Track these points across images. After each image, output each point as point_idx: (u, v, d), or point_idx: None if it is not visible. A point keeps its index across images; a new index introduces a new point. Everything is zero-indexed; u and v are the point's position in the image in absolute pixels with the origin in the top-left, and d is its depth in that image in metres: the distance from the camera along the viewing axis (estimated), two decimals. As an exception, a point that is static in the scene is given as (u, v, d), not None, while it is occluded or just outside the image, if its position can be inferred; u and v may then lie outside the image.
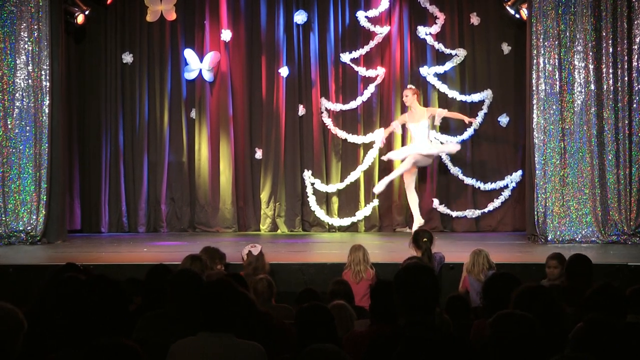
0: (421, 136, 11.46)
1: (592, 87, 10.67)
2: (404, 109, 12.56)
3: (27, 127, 11.11)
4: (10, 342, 2.98)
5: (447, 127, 12.52)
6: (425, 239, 7.52)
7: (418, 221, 11.47)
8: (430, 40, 12.50)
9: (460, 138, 12.40)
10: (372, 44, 12.56)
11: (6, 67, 11.08)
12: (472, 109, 12.52)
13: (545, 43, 10.74)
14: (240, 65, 12.89)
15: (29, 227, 11.08)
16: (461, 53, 12.48)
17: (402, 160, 11.57)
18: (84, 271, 5.64)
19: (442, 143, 12.11)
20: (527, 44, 11.06)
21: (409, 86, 11.90)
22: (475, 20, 12.49)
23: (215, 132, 12.86)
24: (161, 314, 4.47)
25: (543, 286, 4.16)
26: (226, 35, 12.74)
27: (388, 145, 12.28)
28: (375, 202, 12.58)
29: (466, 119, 11.90)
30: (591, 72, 10.68)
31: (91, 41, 13.03)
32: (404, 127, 11.92)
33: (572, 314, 4.22)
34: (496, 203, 12.40)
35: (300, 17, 12.70)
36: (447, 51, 12.48)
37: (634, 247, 10.22)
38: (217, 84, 12.87)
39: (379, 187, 11.72)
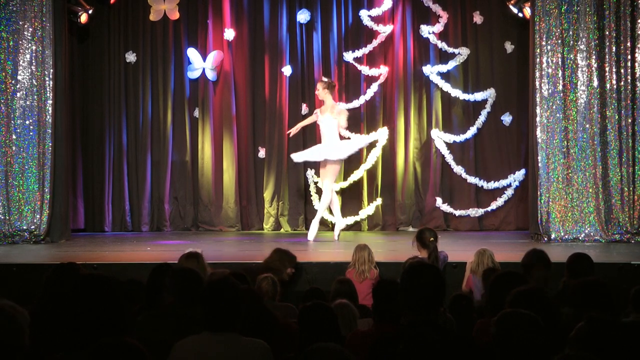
0: (325, 131, 11.07)
1: (595, 86, 10.66)
2: (407, 108, 12.60)
3: (31, 127, 11.12)
4: (16, 340, 2.99)
5: (449, 126, 12.53)
6: (432, 238, 7.50)
7: (340, 224, 11.26)
8: (433, 39, 12.50)
9: (463, 137, 12.42)
10: (375, 42, 12.56)
11: (9, 66, 11.09)
12: (475, 108, 12.53)
13: (549, 42, 10.73)
14: (244, 64, 12.90)
15: (33, 226, 11.09)
16: (464, 52, 12.49)
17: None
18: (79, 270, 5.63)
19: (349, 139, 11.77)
20: (530, 43, 11.05)
21: (323, 78, 11.58)
22: (478, 19, 12.49)
23: (219, 131, 12.88)
24: (158, 314, 4.48)
25: (539, 288, 4.16)
26: (229, 34, 12.76)
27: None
28: (379, 201, 12.60)
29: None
30: (594, 71, 10.67)
31: (94, 40, 13.04)
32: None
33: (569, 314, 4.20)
34: (499, 202, 12.41)
35: (303, 16, 12.71)
36: (450, 50, 12.48)
37: (637, 246, 10.21)
38: (220, 83, 12.88)
39: (312, 232, 11.10)
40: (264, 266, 7.50)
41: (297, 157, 11.44)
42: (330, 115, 10.98)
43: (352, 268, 7.59)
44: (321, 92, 11.11)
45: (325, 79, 11.49)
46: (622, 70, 10.67)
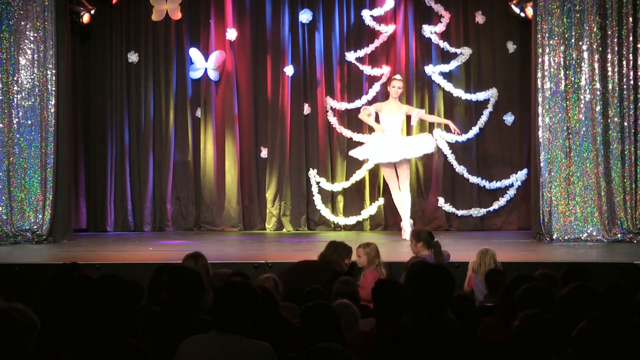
0: (395, 130, 11.23)
1: (598, 85, 10.66)
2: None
3: (33, 127, 11.13)
4: (24, 342, 3.00)
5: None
6: (435, 240, 7.56)
7: (408, 224, 11.05)
8: (435, 39, 12.49)
9: (466, 137, 12.40)
10: (377, 42, 12.55)
11: (12, 67, 11.10)
12: (477, 107, 12.52)
13: (551, 41, 10.73)
14: (246, 64, 12.90)
15: (35, 226, 11.09)
16: (466, 52, 12.47)
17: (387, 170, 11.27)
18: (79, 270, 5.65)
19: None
20: (532, 43, 11.04)
21: (399, 77, 11.53)
22: (480, 18, 12.49)
23: (221, 131, 12.87)
24: (157, 313, 4.48)
25: (545, 287, 4.17)
26: (231, 34, 12.75)
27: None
28: (381, 200, 12.59)
29: (452, 126, 11.50)
30: (596, 70, 10.66)
31: (96, 40, 13.04)
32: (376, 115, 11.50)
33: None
34: (501, 202, 12.39)
35: (305, 16, 12.70)
36: (452, 50, 12.47)
37: (639, 246, 10.21)
38: (223, 83, 12.88)
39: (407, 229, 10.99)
40: (321, 261, 7.46)
41: (359, 154, 11.49)
42: (403, 116, 11.28)
43: (373, 268, 7.54)
44: (401, 90, 11.40)
45: (400, 77, 11.54)
46: (625, 70, 10.67)
